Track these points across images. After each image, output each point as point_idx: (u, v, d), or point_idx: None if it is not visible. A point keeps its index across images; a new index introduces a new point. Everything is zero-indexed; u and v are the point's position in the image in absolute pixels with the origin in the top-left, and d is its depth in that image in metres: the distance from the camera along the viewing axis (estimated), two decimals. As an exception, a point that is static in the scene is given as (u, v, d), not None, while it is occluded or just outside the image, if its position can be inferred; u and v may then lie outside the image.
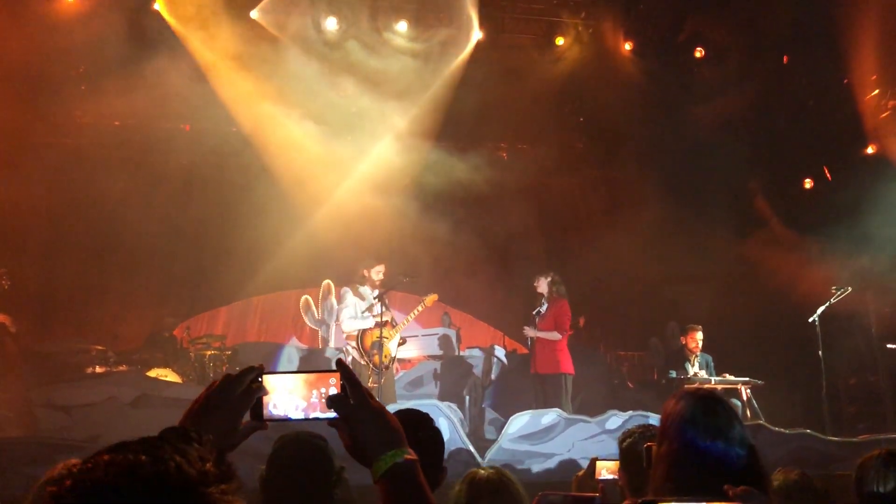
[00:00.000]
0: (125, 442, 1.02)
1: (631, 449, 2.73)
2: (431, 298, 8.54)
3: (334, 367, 1.45)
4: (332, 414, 1.41)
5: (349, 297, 8.39)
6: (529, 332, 8.45)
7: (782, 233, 10.66)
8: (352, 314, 8.29)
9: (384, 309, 8.15)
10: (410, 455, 1.37)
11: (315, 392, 1.44)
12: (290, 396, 1.44)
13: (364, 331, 8.19)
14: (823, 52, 10.25)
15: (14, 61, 9.95)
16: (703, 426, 1.92)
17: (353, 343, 8.26)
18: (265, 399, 1.42)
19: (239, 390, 1.39)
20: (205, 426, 1.31)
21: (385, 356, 8.13)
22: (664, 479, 1.95)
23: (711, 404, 1.98)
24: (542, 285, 8.55)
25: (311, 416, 1.44)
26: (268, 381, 1.43)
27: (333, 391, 1.42)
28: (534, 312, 8.62)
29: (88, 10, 10.24)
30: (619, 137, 12.75)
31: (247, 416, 1.42)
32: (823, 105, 10.85)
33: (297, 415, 1.44)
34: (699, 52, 11.30)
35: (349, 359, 8.17)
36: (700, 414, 1.94)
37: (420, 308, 8.54)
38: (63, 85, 10.75)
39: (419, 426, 2.41)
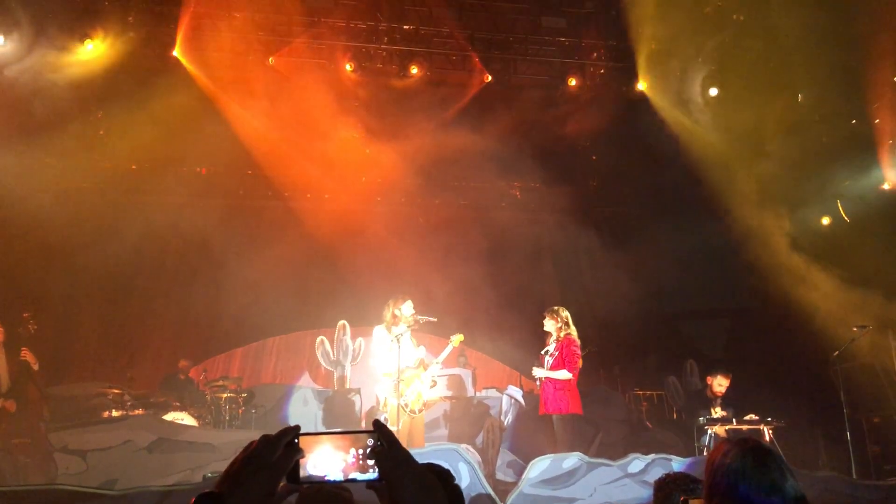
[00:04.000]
0: None
1: (667, 501, 2.65)
2: (459, 338, 8.26)
3: (371, 427, 1.41)
4: (371, 475, 1.38)
5: (383, 336, 7.90)
6: (538, 372, 8.09)
7: (802, 270, 10.58)
8: (386, 354, 7.81)
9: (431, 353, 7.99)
10: None
11: (353, 451, 1.41)
12: (328, 457, 1.41)
13: (402, 372, 7.72)
14: (837, 91, 10.30)
15: (35, 106, 10.13)
16: (757, 481, 1.82)
17: (391, 384, 7.72)
18: (301, 460, 1.40)
19: (276, 453, 1.35)
20: (242, 491, 1.29)
21: (418, 398, 7.91)
22: None
23: (762, 456, 1.88)
24: (550, 324, 8.17)
25: (350, 476, 1.40)
26: (304, 441, 1.41)
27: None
28: (542, 352, 8.26)
29: (108, 56, 10.40)
30: (633, 176, 12.78)
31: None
32: (839, 142, 10.85)
33: (335, 476, 1.40)
34: (713, 91, 11.36)
35: (382, 400, 7.93)
36: (751, 467, 1.85)
37: (449, 349, 8.28)
38: (82, 130, 10.89)
39: (445, 483, 2.38)
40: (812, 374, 10.16)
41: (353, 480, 1.40)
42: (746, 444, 1.93)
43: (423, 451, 6.60)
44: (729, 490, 1.85)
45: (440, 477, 2.41)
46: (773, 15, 10.43)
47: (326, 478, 1.40)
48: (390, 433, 1.40)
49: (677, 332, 11.89)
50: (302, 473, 1.39)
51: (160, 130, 10.98)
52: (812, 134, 10.91)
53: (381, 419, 7.95)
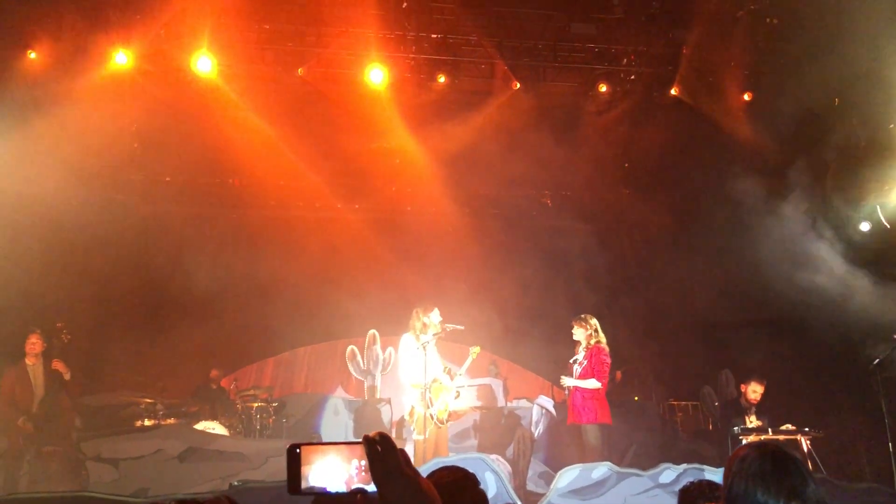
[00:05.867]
0: None
1: (690, 508, 2.57)
2: (476, 351, 8.27)
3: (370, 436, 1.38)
4: (372, 487, 1.34)
5: (411, 344, 7.82)
6: (567, 381, 7.98)
7: (840, 276, 10.31)
8: (414, 363, 7.71)
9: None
10: None
11: (356, 462, 1.36)
12: (330, 467, 1.37)
13: (430, 381, 7.63)
14: (872, 94, 10.06)
15: (69, 123, 10.29)
16: (775, 485, 1.74)
17: (418, 393, 7.65)
18: (303, 470, 1.36)
19: None
20: None
21: (445, 409, 7.83)
22: None
23: (780, 460, 1.79)
24: (579, 333, 8.08)
25: (353, 487, 1.36)
26: (306, 451, 1.37)
27: None
28: (571, 361, 8.15)
29: (140, 70, 10.54)
30: (666, 183, 12.60)
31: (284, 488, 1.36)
32: (877, 146, 10.59)
33: (337, 487, 1.37)
34: (748, 96, 11.18)
35: (408, 409, 7.86)
36: (769, 471, 1.76)
37: (470, 360, 8.26)
38: (116, 143, 11.04)
39: (465, 488, 2.33)
40: (853, 383, 9.87)
41: (359, 490, 1.36)
42: (766, 448, 1.84)
43: (448, 460, 6.53)
44: (746, 495, 1.77)
45: (464, 482, 2.35)
46: (806, 17, 10.24)
47: (327, 489, 1.36)
48: (386, 442, 1.35)
49: (713, 342, 11.64)
50: (304, 484, 1.36)
51: (193, 142, 11.12)
52: (850, 138, 10.67)
53: (410, 430, 7.92)
